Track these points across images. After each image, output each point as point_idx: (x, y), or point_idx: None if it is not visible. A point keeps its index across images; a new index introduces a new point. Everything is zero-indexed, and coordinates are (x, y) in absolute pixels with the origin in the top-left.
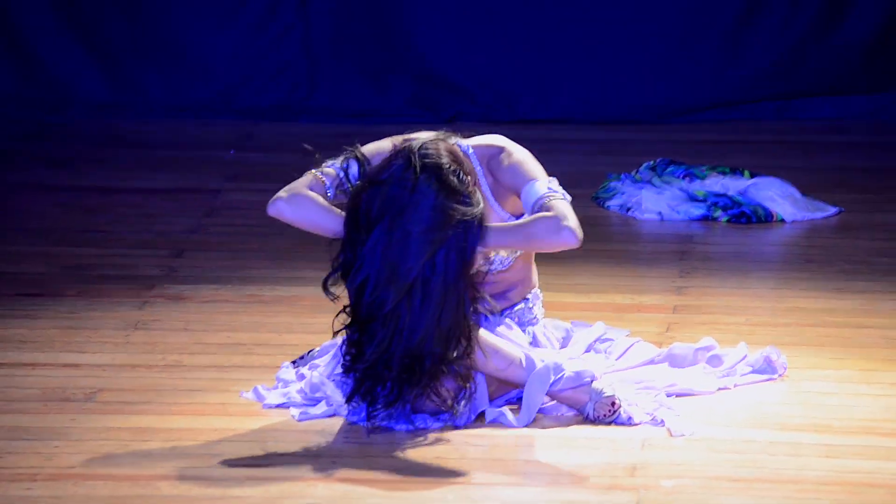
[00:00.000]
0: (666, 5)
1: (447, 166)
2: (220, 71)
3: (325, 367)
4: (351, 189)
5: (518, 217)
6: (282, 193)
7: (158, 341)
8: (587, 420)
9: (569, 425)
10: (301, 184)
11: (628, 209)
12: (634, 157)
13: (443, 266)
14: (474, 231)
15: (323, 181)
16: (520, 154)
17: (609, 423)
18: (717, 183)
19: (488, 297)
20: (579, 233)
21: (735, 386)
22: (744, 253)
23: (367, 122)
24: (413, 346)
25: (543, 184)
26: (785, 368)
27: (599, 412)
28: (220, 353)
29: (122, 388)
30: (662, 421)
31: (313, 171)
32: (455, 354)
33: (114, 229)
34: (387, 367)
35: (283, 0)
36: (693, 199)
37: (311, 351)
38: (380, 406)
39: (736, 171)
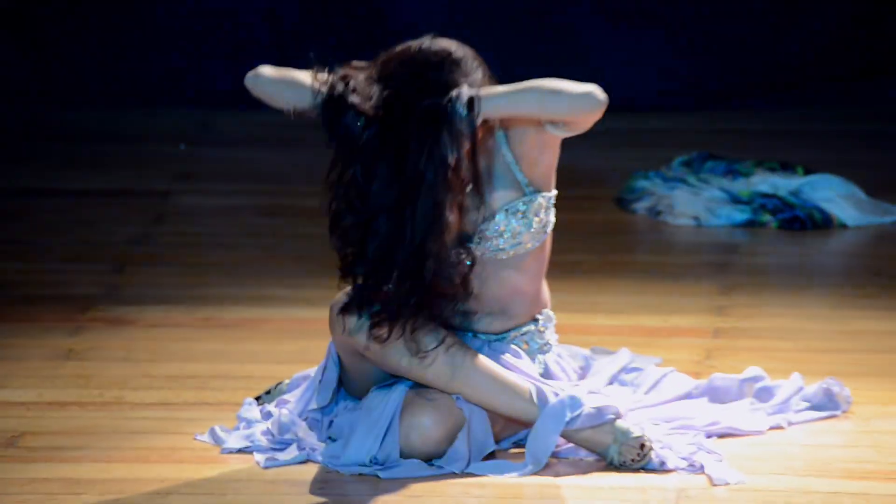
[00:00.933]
0: None
1: (456, 50)
2: (167, 49)
3: (295, 404)
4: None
5: (535, 187)
6: (268, 70)
7: (95, 374)
8: (611, 466)
9: (589, 472)
10: (295, 72)
11: (659, 213)
12: (666, 150)
13: (448, 150)
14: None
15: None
16: None
17: (637, 470)
18: (765, 181)
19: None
20: (603, 94)
21: (789, 424)
22: (798, 265)
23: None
24: (417, 244)
25: None
26: (849, 403)
27: (626, 456)
28: (170, 388)
29: (50, 431)
30: (702, 466)
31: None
32: (455, 257)
33: (41, 240)
34: (389, 267)
35: None
36: (736, 200)
37: (278, 384)
38: (382, 315)
39: (787, 166)
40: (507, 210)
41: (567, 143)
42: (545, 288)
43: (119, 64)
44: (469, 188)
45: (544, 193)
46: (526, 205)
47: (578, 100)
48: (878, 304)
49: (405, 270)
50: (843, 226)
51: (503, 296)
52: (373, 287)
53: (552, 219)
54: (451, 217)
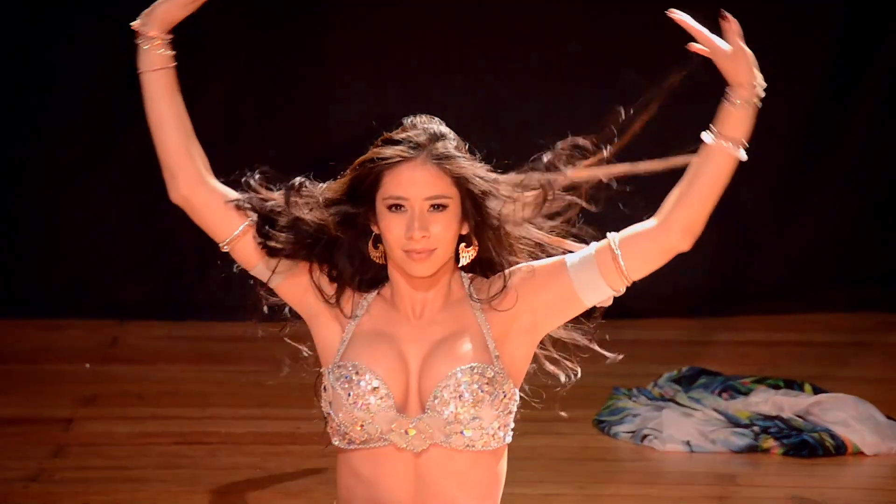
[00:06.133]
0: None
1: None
2: (73, 252)
3: None
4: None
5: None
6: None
7: None
8: None
9: None
10: None
11: (644, 437)
12: (651, 364)
13: None
14: None
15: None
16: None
17: None
18: (768, 401)
19: None
20: None
21: None
22: (808, 499)
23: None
24: None
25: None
26: None
27: None
28: None
29: None
30: None
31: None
32: None
33: None
34: None
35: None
36: (734, 423)
37: None
38: None
39: (793, 384)
40: (472, 368)
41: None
42: None
43: (12, 271)
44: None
45: (511, 383)
46: (494, 374)
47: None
48: None
49: None
50: (860, 453)
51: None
52: None
53: (512, 424)
54: None
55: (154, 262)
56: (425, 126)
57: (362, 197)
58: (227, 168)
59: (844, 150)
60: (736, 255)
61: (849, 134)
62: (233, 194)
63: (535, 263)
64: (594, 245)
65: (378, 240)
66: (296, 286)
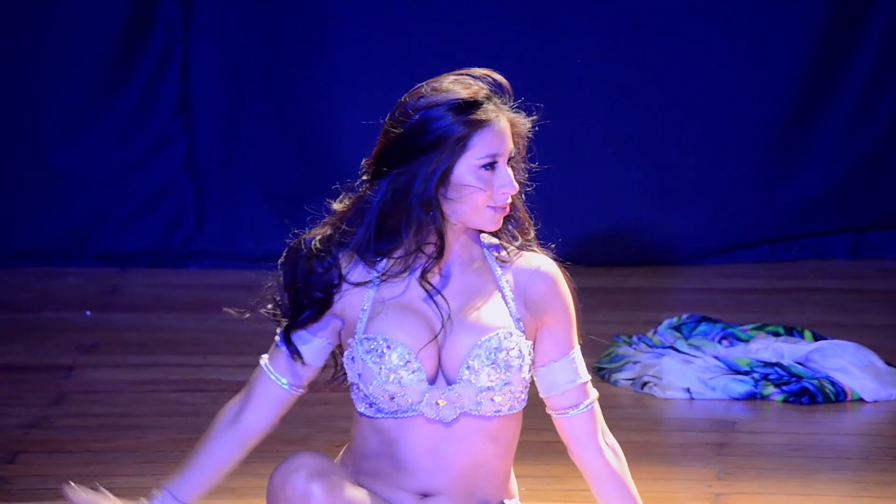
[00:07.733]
0: (692, 108)
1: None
2: (72, 201)
3: None
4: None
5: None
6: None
7: None
8: None
9: None
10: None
11: (644, 385)
12: (651, 311)
13: None
14: None
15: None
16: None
17: None
18: (768, 348)
19: None
20: None
21: None
22: (807, 445)
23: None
24: None
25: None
26: None
27: None
28: None
29: None
30: None
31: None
32: None
33: None
34: None
35: (158, 101)
36: (734, 370)
37: None
38: None
39: (793, 330)
40: (499, 335)
41: None
42: (513, 474)
43: (12, 220)
44: None
45: (531, 343)
46: (519, 337)
47: None
48: None
49: None
50: (860, 400)
51: (469, 470)
52: None
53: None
54: None
55: (154, 210)
56: (482, 79)
57: (435, 171)
58: (229, 150)
59: (846, 96)
60: (737, 203)
61: (849, 82)
62: (280, 384)
63: (564, 317)
64: (579, 389)
65: (430, 206)
66: (335, 331)
